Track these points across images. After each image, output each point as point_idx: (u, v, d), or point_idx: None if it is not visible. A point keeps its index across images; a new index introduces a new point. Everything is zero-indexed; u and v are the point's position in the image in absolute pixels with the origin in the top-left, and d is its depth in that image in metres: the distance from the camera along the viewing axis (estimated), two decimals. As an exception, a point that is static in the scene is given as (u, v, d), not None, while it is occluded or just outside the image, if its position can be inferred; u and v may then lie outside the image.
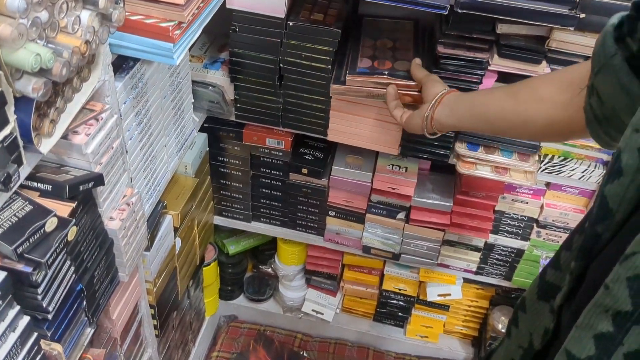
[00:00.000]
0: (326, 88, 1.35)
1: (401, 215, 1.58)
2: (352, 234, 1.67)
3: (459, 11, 1.13)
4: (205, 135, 1.54)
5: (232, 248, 1.92)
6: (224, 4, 1.19)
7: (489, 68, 1.26)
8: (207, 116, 1.50)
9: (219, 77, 1.41)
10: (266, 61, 1.34)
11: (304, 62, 1.32)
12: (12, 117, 0.69)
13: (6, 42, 0.63)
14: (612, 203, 0.49)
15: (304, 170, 1.56)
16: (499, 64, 1.24)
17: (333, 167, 1.55)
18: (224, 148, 1.59)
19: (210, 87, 1.39)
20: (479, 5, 1.12)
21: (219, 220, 1.77)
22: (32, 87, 0.68)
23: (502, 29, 1.21)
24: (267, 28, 1.28)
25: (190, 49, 1.43)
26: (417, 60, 1.25)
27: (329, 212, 1.65)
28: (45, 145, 0.77)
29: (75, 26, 0.74)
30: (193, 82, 1.37)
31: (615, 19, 0.68)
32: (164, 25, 0.87)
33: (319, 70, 1.33)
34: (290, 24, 1.26)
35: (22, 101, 0.70)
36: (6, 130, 0.69)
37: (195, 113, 1.41)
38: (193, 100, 1.36)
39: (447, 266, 1.69)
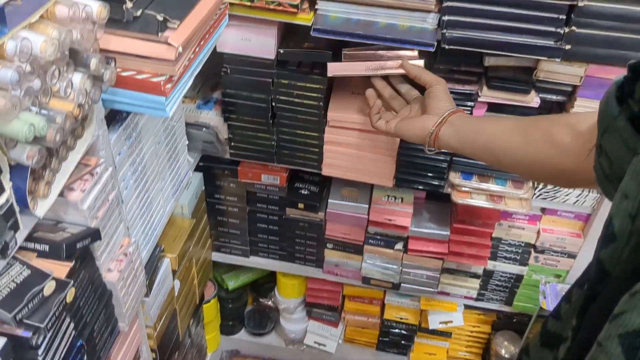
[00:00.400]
0: (319, 124, 1.36)
1: (399, 245, 1.58)
2: (351, 266, 1.67)
3: (446, 47, 1.14)
4: (200, 174, 1.55)
5: (232, 283, 1.91)
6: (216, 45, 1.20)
7: (479, 99, 1.27)
8: (202, 155, 1.51)
9: (212, 117, 1.42)
10: (258, 100, 1.35)
11: (296, 100, 1.34)
12: (7, 184, 0.70)
13: (0, 115, 0.63)
14: (608, 266, 0.50)
15: (300, 205, 1.56)
16: (488, 95, 1.25)
17: (329, 200, 1.55)
18: (220, 186, 1.59)
19: (204, 129, 1.40)
20: (466, 41, 1.14)
21: (217, 256, 1.77)
22: (26, 155, 0.69)
23: (489, 61, 1.23)
24: (258, 69, 1.30)
25: (182, 91, 1.44)
26: (421, 62, 1.20)
27: (327, 245, 1.65)
28: (42, 208, 0.78)
29: (68, 90, 0.75)
30: (187, 123, 1.38)
31: (617, 79, 0.68)
32: (155, 80, 0.88)
33: (311, 107, 1.34)
34: (282, 51, 1.27)
35: (17, 168, 0.71)
36: (2, 199, 0.69)
37: (189, 153, 1.42)
38: (187, 142, 1.37)
39: (447, 294, 1.69)
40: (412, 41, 1.15)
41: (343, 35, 1.16)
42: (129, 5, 0.82)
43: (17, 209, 0.73)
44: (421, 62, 1.21)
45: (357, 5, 1.16)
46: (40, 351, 0.81)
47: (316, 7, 1.17)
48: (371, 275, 1.67)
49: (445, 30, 1.13)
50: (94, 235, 0.92)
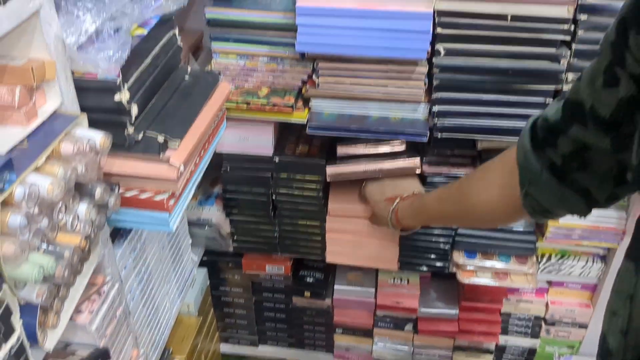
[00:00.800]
0: (320, 213, 1.37)
1: (409, 326, 1.57)
2: (362, 349, 1.65)
3: (440, 136, 1.17)
4: (205, 269, 1.55)
5: (241, 372, 1.88)
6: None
7: (476, 181, 1.29)
8: (205, 250, 1.51)
9: (214, 212, 1.43)
10: (259, 194, 1.37)
11: (296, 193, 1.35)
12: (17, 324, 0.70)
13: (9, 260, 0.64)
14: None
15: (307, 293, 1.56)
16: (484, 176, 1.27)
17: (335, 286, 1.55)
18: (225, 278, 1.59)
19: (206, 226, 1.41)
20: (457, 128, 1.17)
21: (226, 347, 1.75)
22: (36, 294, 0.69)
23: (482, 145, 1.25)
24: (257, 165, 1.32)
25: (182, 190, 1.46)
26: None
27: (336, 330, 1.63)
28: (51, 340, 0.77)
29: (75, 222, 0.76)
30: (189, 222, 1.39)
31: (528, 125, 0.71)
32: (158, 198, 0.90)
33: (311, 197, 1.36)
34: (277, 160, 1.30)
35: (26, 307, 0.71)
36: (13, 339, 0.69)
37: (193, 250, 1.43)
38: (190, 241, 1.38)
39: (461, 371, 1.66)
40: (405, 132, 1.18)
41: (338, 130, 1.19)
42: (131, 130, 0.85)
43: (27, 344, 0.73)
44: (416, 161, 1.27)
45: (349, 101, 1.20)
46: None
47: (310, 105, 1.21)
48: (383, 357, 1.65)
49: (436, 120, 1.16)
50: (104, 355, 0.92)
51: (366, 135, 1.19)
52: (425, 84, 1.15)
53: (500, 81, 1.12)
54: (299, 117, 1.20)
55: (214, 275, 1.58)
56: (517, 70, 1.10)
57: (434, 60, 1.12)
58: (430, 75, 1.14)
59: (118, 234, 1.03)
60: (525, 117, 1.14)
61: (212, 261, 1.56)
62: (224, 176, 1.35)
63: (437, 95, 1.15)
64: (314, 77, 1.17)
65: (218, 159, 1.33)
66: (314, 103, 1.20)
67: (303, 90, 1.21)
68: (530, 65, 1.10)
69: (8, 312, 0.68)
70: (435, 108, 1.16)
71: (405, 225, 1.20)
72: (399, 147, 1.27)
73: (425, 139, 1.17)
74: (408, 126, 1.18)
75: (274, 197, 1.37)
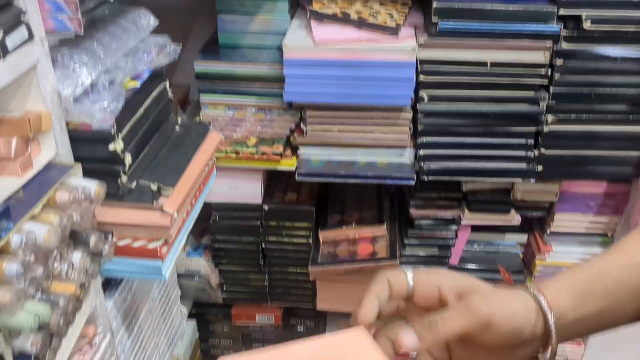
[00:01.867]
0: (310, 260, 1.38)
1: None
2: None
3: (426, 179, 1.19)
4: (194, 322, 1.53)
5: None
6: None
7: (462, 223, 1.31)
8: (193, 302, 1.50)
9: (202, 263, 1.43)
10: (248, 244, 1.37)
11: (285, 240, 1.36)
12: (11, 376, 0.69)
13: (4, 309, 0.64)
14: None
15: (298, 343, 1.54)
16: (470, 218, 1.29)
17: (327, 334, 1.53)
18: (214, 331, 1.57)
19: (195, 277, 1.41)
20: (443, 171, 1.19)
21: (215, 402, 1.71)
22: (30, 344, 0.69)
23: (467, 187, 1.28)
24: (246, 214, 1.33)
25: (171, 241, 1.46)
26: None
27: (329, 380, 1.61)
28: (44, 393, 0.76)
29: (69, 271, 0.76)
30: (178, 274, 1.38)
31: None
32: (151, 246, 0.90)
33: (301, 245, 1.36)
34: (266, 208, 1.31)
35: (20, 357, 0.70)
36: (6, 392, 0.68)
37: (182, 301, 1.41)
38: (179, 293, 1.37)
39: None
40: (393, 176, 1.20)
41: (326, 177, 1.21)
42: (124, 179, 0.86)
43: (20, 399, 0.71)
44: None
45: (337, 148, 1.22)
46: None
47: (298, 152, 1.23)
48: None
49: (422, 163, 1.19)
50: (95, 409, 0.90)
51: (355, 180, 1.21)
52: (410, 129, 1.18)
53: (482, 124, 1.15)
54: (288, 164, 1.22)
55: (203, 327, 1.56)
56: (498, 114, 1.14)
57: (418, 106, 1.15)
58: (414, 120, 1.17)
59: (109, 284, 1.02)
60: (507, 158, 1.18)
61: (201, 313, 1.54)
62: (212, 226, 1.36)
63: (422, 139, 1.18)
64: (301, 125, 1.20)
65: (207, 210, 1.34)
66: (302, 151, 1.23)
67: (291, 139, 1.23)
68: (511, 109, 1.14)
69: (2, 363, 0.67)
70: (421, 152, 1.18)
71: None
72: (380, 231, 1.34)
73: (412, 182, 1.19)
74: (395, 170, 1.20)
75: (263, 246, 1.37)
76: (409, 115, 1.16)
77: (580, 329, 0.54)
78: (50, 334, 0.75)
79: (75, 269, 0.77)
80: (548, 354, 0.52)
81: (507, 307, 0.50)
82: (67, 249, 0.77)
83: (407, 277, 0.52)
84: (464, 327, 0.49)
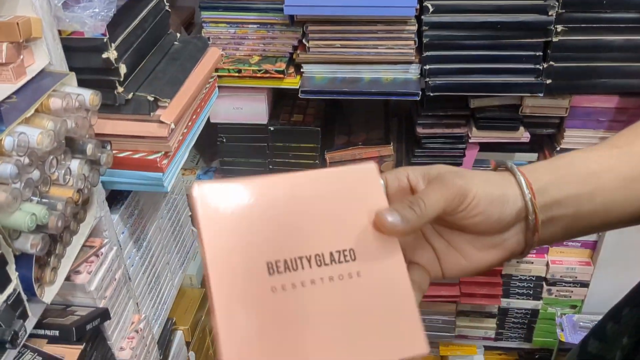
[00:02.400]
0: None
1: (411, 293, 1.58)
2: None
3: (431, 94, 1.17)
4: (206, 243, 1.56)
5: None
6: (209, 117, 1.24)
7: (470, 141, 1.29)
8: (205, 224, 1.53)
9: (212, 186, 1.45)
10: (256, 165, 1.38)
11: (292, 161, 1.36)
12: (13, 275, 0.71)
13: (2, 208, 0.66)
14: None
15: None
16: (478, 135, 1.28)
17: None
18: (227, 252, 1.60)
19: (204, 198, 1.42)
20: (449, 86, 1.17)
21: (231, 323, 1.76)
22: (30, 244, 0.71)
23: (475, 103, 1.26)
24: (253, 135, 1.33)
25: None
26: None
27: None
28: (49, 294, 0.79)
29: (67, 177, 0.77)
30: (188, 196, 1.40)
31: None
32: (151, 157, 0.91)
33: (307, 165, 1.37)
34: (272, 128, 1.31)
35: (22, 258, 0.72)
36: (9, 289, 0.71)
37: (193, 224, 1.44)
38: (190, 214, 1.39)
39: (465, 337, 1.67)
40: (397, 92, 1.18)
41: (330, 94, 1.20)
42: (120, 90, 0.86)
43: (24, 297, 0.74)
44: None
45: (341, 65, 1.20)
46: None
47: (302, 70, 1.21)
48: (387, 326, 1.66)
49: (428, 79, 1.17)
50: (103, 315, 0.93)
51: (359, 97, 1.19)
52: (415, 42, 1.15)
53: (489, 36, 1.12)
54: (291, 83, 1.21)
55: (216, 249, 1.60)
56: (506, 24, 1.11)
57: (423, 18, 1.12)
58: (420, 34, 1.15)
59: (115, 199, 1.04)
60: (515, 71, 1.15)
61: (214, 235, 1.57)
62: (220, 147, 1.36)
63: (427, 54, 1.15)
64: (304, 41, 1.18)
65: (214, 135, 1.34)
66: (305, 68, 1.21)
67: (294, 57, 1.22)
68: (519, 19, 1.10)
69: (3, 261, 0.69)
70: (426, 67, 1.16)
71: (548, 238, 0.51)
72: (387, 150, 1.32)
73: (417, 98, 1.17)
74: (400, 87, 1.19)
75: (270, 167, 1.38)
76: (414, 27, 1.14)
77: (569, 216, 0.48)
78: (51, 237, 0.77)
79: (73, 175, 0.78)
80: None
81: (482, 179, 0.47)
82: (65, 156, 0.78)
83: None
84: (444, 200, 0.46)
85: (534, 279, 1.52)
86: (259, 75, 1.19)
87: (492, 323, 1.62)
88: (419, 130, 1.30)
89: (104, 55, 0.82)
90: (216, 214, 0.40)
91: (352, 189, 0.43)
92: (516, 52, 1.13)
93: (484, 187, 0.46)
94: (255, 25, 1.20)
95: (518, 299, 1.57)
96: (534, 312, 1.57)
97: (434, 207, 0.46)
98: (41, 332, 0.86)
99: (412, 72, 1.20)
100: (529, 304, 1.57)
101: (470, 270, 0.50)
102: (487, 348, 1.73)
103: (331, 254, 0.41)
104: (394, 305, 0.42)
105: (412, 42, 1.15)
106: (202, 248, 0.39)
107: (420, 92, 1.18)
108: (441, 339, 1.68)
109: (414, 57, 1.17)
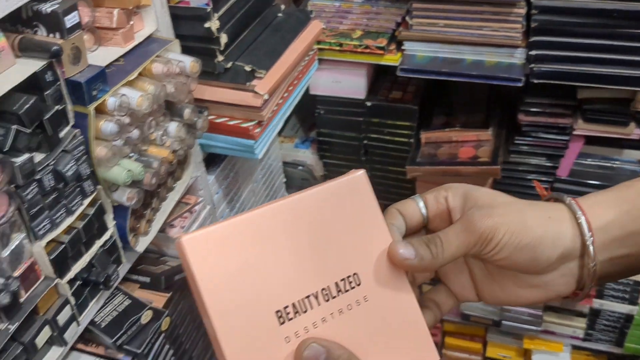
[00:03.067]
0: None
1: (498, 281, 1.54)
2: (449, 301, 1.65)
3: (535, 82, 1.13)
4: (298, 210, 1.61)
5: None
6: (308, 88, 1.27)
7: (574, 133, 1.23)
8: (299, 192, 1.57)
9: (308, 155, 1.48)
10: (351, 139, 1.40)
11: (387, 137, 1.37)
12: (110, 223, 0.79)
13: (102, 162, 0.73)
14: None
15: (395, 240, 1.57)
16: (584, 128, 1.22)
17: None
18: (318, 221, 1.64)
19: (299, 167, 1.47)
20: (555, 75, 1.12)
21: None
22: (126, 197, 0.77)
23: (582, 94, 1.19)
24: (350, 109, 1.35)
25: (281, 132, 1.53)
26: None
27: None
28: (142, 244, 0.86)
29: (164, 138, 0.83)
30: (284, 162, 1.45)
31: None
32: (245, 125, 0.95)
33: (402, 144, 1.36)
34: (369, 104, 1.32)
35: (119, 209, 0.80)
36: (106, 236, 0.78)
37: (288, 190, 1.49)
38: (285, 180, 1.45)
39: (552, 333, 1.62)
40: (500, 77, 1.15)
41: (430, 74, 1.18)
42: (220, 58, 0.91)
43: (119, 244, 0.82)
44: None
45: (443, 44, 1.18)
46: (141, 374, 0.89)
47: (403, 47, 1.21)
48: (471, 312, 1.64)
49: (533, 65, 1.12)
50: (192, 268, 1.00)
51: (458, 78, 1.17)
52: (522, 26, 1.11)
53: (603, 24, 1.06)
54: (391, 60, 1.21)
55: (308, 217, 1.64)
56: (622, 12, 1.03)
57: (533, 0, 1.07)
58: (528, 17, 1.10)
59: (212, 161, 1.10)
60: (629, 63, 1.07)
61: (306, 203, 1.61)
62: (317, 119, 1.39)
63: (534, 38, 1.10)
64: (407, 18, 1.17)
65: (315, 106, 1.37)
66: (407, 46, 1.20)
67: (396, 33, 1.21)
68: (637, 7, 1.02)
69: (102, 210, 0.77)
70: (533, 52, 1.12)
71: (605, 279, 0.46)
72: (485, 135, 1.28)
73: (520, 84, 1.13)
74: (503, 71, 1.15)
75: (365, 142, 1.39)
76: (522, 10, 1.09)
77: (632, 256, 0.43)
78: (147, 192, 0.84)
79: (170, 137, 0.84)
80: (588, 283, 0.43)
81: (520, 218, 0.42)
82: (164, 118, 0.84)
83: (418, 203, 0.47)
84: (464, 246, 0.42)
85: (631, 283, 1.44)
86: (359, 50, 1.20)
87: (581, 322, 1.55)
88: (521, 117, 1.26)
89: (206, 25, 0.86)
90: (212, 267, 0.36)
91: (344, 206, 0.42)
92: (631, 42, 1.06)
93: (515, 231, 0.42)
94: (360, 0, 1.20)
95: (612, 301, 1.49)
96: (629, 317, 1.49)
97: (452, 252, 0.43)
98: (134, 277, 0.94)
99: (518, 56, 1.15)
100: (624, 308, 1.48)
101: (508, 303, 0.47)
102: (574, 347, 1.66)
103: (337, 284, 0.40)
104: (402, 321, 0.42)
105: (520, 26, 1.11)
106: (203, 307, 0.36)
107: (524, 79, 1.13)
108: (526, 332, 1.63)
109: (520, 42, 1.13)
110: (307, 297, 0.39)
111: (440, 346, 1.89)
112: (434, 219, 0.46)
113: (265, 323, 0.37)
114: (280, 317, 0.38)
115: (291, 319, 0.38)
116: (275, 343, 0.37)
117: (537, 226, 0.42)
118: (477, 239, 0.42)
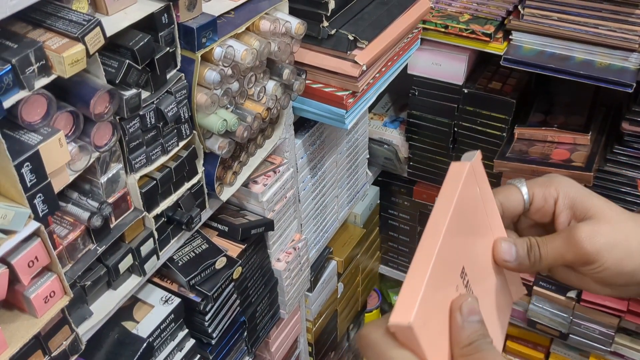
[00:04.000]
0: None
1: (572, 293, 1.49)
2: (517, 304, 1.61)
3: (648, 89, 1.07)
4: (377, 188, 1.62)
5: (396, 298, 1.95)
6: (406, 67, 1.26)
7: (681, 149, 1.16)
8: (381, 170, 1.58)
9: (395, 135, 1.48)
10: (441, 124, 1.38)
11: (479, 128, 1.34)
12: (200, 169, 0.82)
13: (201, 108, 0.75)
14: None
15: (471, 233, 1.55)
16: (693, 145, 1.14)
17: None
18: (395, 202, 1.64)
19: (385, 146, 1.46)
20: (671, 84, 1.06)
21: (384, 269, 1.82)
22: (218, 146, 0.80)
23: (698, 109, 1.12)
24: (445, 94, 1.33)
25: (372, 108, 1.53)
26: None
27: (495, 278, 1.61)
28: (226, 194, 0.89)
29: (261, 94, 0.85)
30: (371, 139, 1.45)
31: None
32: (339, 94, 0.96)
33: (494, 136, 1.33)
34: (466, 91, 1.29)
35: (209, 156, 0.83)
36: (194, 180, 0.82)
37: (370, 167, 1.50)
38: (368, 156, 1.45)
39: (622, 356, 1.55)
40: (609, 80, 1.10)
41: (535, 67, 1.15)
42: (325, 24, 0.91)
43: (206, 190, 0.85)
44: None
45: (553, 39, 1.14)
46: (207, 317, 0.93)
47: (510, 37, 1.17)
48: (538, 320, 1.59)
49: (648, 71, 1.06)
50: (268, 225, 1.03)
51: (565, 76, 1.12)
52: (642, 29, 1.05)
53: None
54: (496, 48, 1.18)
55: (385, 197, 1.64)
56: None
57: (659, 3, 1.01)
58: (650, 20, 1.04)
59: (302, 126, 1.12)
60: None
61: (386, 183, 1.61)
62: (410, 100, 1.38)
63: (654, 44, 1.05)
64: (519, 7, 1.14)
65: (410, 86, 1.36)
66: (514, 36, 1.17)
67: (505, 22, 1.18)
68: None
69: (194, 155, 0.80)
70: (649, 58, 1.06)
71: None
72: (583, 139, 1.24)
73: (630, 90, 1.08)
74: (614, 74, 1.10)
75: (455, 129, 1.37)
76: (646, 13, 1.03)
77: None
78: (238, 145, 0.86)
79: (267, 94, 0.86)
80: None
81: (621, 243, 0.43)
82: (263, 75, 0.86)
83: (522, 192, 0.48)
84: (562, 259, 0.44)
85: None
86: (464, 34, 1.17)
87: (656, 350, 1.48)
88: (625, 126, 1.20)
89: (317, -11, 0.87)
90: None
91: (474, 197, 0.45)
92: None
93: (619, 258, 0.43)
94: (473, -16, 1.17)
95: (694, 333, 1.41)
96: None
97: (549, 263, 0.45)
98: (214, 224, 0.98)
99: (633, 60, 1.09)
100: None
101: (578, 287, 0.49)
102: (644, 375, 1.59)
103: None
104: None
105: (639, 29, 1.05)
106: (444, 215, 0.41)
107: (635, 85, 1.08)
108: (594, 350, 1.57)
109: (637, 45, 1.07)
110: (464, 267, 0.43)
111: (501, 349, 1.84)
112: (535, 212, 0.48)
113: (454, 267, 0.42)
114: (462, 273, 0.42)
115: (462, 277, 0.42)
116: (451, 288, 0.41)
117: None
118: (579, 257, 0.44)
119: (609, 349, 1.53)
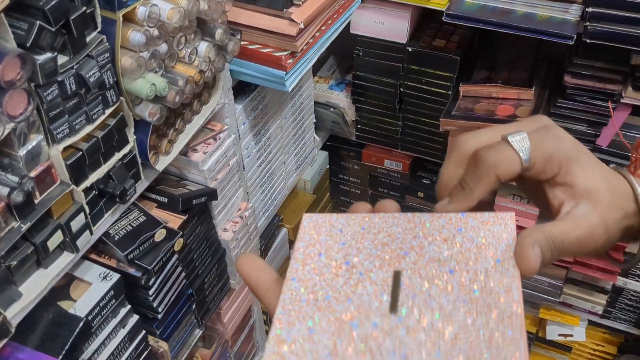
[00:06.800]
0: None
1: (521, 247, 1.51)
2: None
3: (587, 41, 1.07)
4: (326, 153, 1.59)
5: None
6: (348, 27, 1.23)
7: (622, 101, 1.17)
8: (330, 135, 1.55)
9: (342, 98, 1.45)
10: (387, 85, 1.36)
11: (424, 87, 1.32)
12: (131, 137, 0.78)
13: (126, 73, 0.71)
14: None
15: (420, 194, 1.55)
16: (633, 97, 1.15)
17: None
18: (344, 166, 1.63)
19: (331, 109, 1.44)
20: (611, 36, 1.06)
21: (338, 235, 1.81)
22: (148, 112, 0.76)
23: (637, 60, 1.13)
24: (389, 53, 1.30)
25: (317, 72, 1.49)
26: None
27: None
28: (162, 163, 0.85)
29: (192, 56, 0.81)
30: (316, 103, 1.42)
31: None
32: (277, 54, 0.92)
33: (439, 95, 1.32)
34: (410, 49, 1.27)
35: (141, 124, 0.79)
36: (126, 149, 0.77)
37: (317, 132, 1.47)
38: (315, 121, 1.42)
39: (570, 306, 1.59)
40: (550, 32, 1.09)
41: (476, 22, 1.13)
42: (258, -19, 0.87)
43: (139, 160, 0.81)
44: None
45: (495, -7, 1.12)
46: (151, 292, 0.90)
47: (452, -8, 1.15)
48: (489, 275, 1.62)
49: (587, 23, 1.06)
50: (211, 194, 1.00)
51: (507, 30, 1.11)
52: (581, -20, 1.04)
53: (671, -15, 0.99)
54: (438, 4, 1.15)
55: (334, 162, 1.62)
56: (693, -27, 0.96)
57: (596, -47, 1.00)
58: (589, -29, 1.03)
59: (242, 91, 1.08)
60: (693, 30, 1.00)
61: (334, 147, 1.59)
62: (355, 61, 1.35)
63: (593, -6, 1.04)
64: (460, -39, 1.11)
65: (354, 47, 1.33)
66: (456, -9, 1.15)
67: (447, -24, 1.15)
68: None
69: (123, 123, 0.75)
70: (589, 9, 1.05)
71: None
72: (527, 94, 1.24)
73: (571, 42, 1.07)
74: (554, 27, 1.09)
75: (401, 90, 1.35)
76: (584, -37, 1.02)
77: None
78: (172, 111, 0.82)
79: (199, 56, 0.82)
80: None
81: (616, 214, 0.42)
82: (194, 36, 0.81)
83: (523, 163, 0.41)
84: (574, 238, 0.41)
85: (661, 264, 1.39)
86: (406, -10, 1.15)
87: (602, 299, 1.52)
88: (567, 79, 1.20)
89: (248, -56, 0.83)
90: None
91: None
92: (700, 7, 0.99)
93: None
94: (412, -62, 1.14)
95: (638, 280, 1.45)
96: (653, 299, 1.45)
97: (564, 249, 0.41)
98: (152, 196, 0.94)
99: (573, 12, 1.09)
100: (649, 289, 1.45)
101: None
102: (590, 323, 1.64)
103: None
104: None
105: (579, -21, 1.04)
106: None
107: (575, 37, 1.07)
108: (543, 302, 1.61)
109: (577, -3, 1.07)
110: None
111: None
112: (534, 172, 0.42)
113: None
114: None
115: None
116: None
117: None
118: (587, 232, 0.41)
119: (558, 300, 1.57)
